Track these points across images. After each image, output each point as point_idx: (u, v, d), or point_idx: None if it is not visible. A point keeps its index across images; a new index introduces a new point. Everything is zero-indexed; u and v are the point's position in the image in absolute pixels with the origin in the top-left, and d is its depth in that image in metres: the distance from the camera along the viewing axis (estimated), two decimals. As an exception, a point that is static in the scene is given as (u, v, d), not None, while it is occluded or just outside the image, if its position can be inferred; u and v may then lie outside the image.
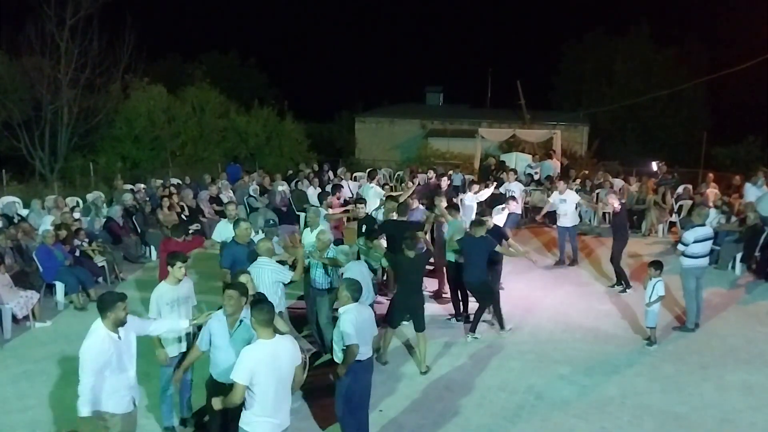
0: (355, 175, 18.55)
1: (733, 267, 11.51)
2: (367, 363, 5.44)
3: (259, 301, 4.62)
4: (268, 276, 6.50)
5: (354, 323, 5.20)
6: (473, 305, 8.60)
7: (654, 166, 18.57)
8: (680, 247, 8.67)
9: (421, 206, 10.38)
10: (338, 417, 5.40)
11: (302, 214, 15.07)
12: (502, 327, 8.47)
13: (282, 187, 15.82)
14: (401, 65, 47.93)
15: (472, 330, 8.24)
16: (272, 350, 4.29)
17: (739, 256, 11.44)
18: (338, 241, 8.82)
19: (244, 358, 4.24)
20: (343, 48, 56.40)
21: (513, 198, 11.78)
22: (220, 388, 4.81)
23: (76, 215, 11.64)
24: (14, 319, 8.39)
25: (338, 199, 13.24)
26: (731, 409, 6.49)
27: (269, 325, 4.35)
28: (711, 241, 8.84)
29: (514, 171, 15.31)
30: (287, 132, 24.26)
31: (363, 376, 5.42)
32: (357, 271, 6.89)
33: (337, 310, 6.00)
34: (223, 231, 9.07)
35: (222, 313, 5.05)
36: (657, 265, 8.04)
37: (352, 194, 15.35)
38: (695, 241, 8.44)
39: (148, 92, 20.63)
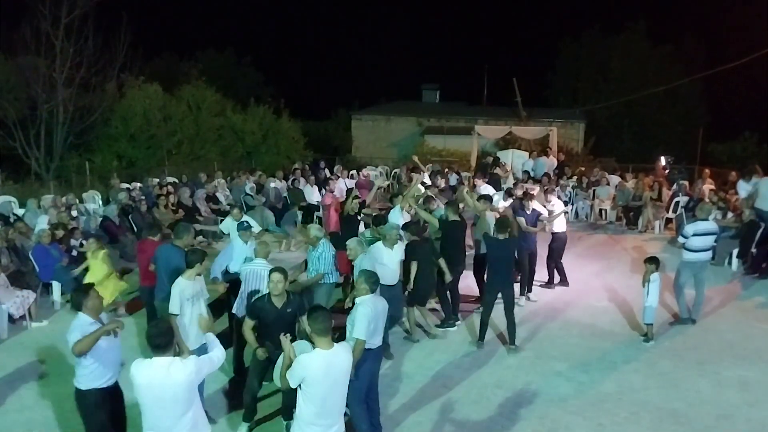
0: (351, 172, 18.54)
1: (730, 263, 11.54)
2: (377, 351, 5.51)
3: (315, 310, 4.41)
4: (264, 278, 6.49)
5: (369, 317, 5.23)
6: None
7: (662, 160, 18.60)
8: (680, 239, 8.75)
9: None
10: (349, 407, 5.41)
11: (299, 212, 15.09)
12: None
13: (273, 184, 15.82)
14: (397, 63, 47.78)
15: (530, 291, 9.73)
16: (329, 361, 4.18)
17: (735, 252, 11.48)
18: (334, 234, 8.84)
19: (298, 367, 4.17)
20: (339, 46, 56.26)
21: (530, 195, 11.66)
22: None
23: (74, 213, 11.62)
24: (11, 318, 8.37)
25: (331, 192, 13.25)
26: (728, 404, 6.51)
27: (326, 334, 4.22)
28: (713, 237, 8.82)
29: (504, 168, 15.34)
30: (284, 130, 24.18)
31: (372, 364, 5.48)
32: (370, 263, 6.90)
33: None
34: (231, 225, 9.09)
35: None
36: (653, 261, 8.10)
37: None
38: (695, 235, 8.47)
39: (144, 91, 20.53)
